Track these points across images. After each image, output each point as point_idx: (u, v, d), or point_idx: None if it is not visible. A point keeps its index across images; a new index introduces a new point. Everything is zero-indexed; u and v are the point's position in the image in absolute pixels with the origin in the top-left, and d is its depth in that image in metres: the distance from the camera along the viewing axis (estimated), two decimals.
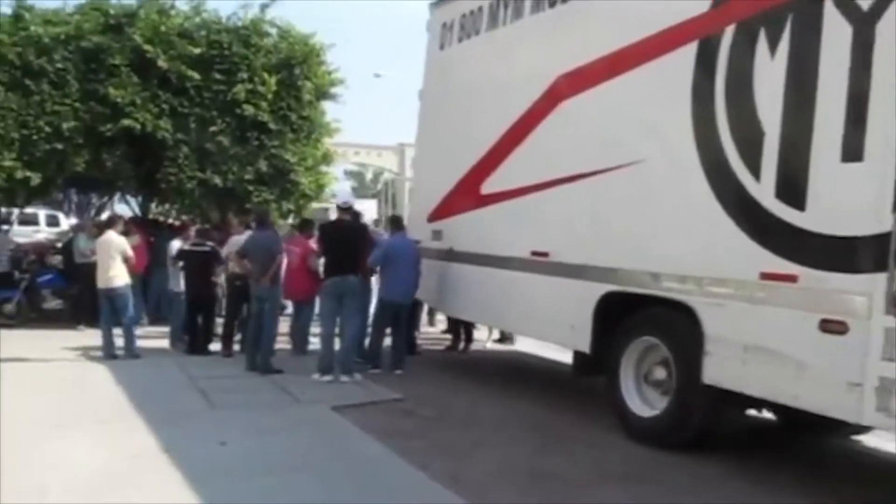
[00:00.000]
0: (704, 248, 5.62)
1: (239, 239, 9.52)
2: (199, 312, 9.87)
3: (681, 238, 5.83)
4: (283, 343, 9.44)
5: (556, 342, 7.76)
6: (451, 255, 8.81)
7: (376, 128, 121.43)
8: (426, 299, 9.44)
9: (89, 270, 11.79)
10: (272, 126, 12.59)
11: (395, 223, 9.37)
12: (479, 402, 7.32)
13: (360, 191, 53.95)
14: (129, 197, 17.74)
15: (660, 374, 6.19)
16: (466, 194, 8.61)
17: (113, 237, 9.32)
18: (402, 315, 8.88)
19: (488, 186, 8.19)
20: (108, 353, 9.18)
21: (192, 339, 9.76)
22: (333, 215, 8.74)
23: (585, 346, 6.67)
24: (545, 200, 7.27)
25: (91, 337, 10.85)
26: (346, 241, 8.04)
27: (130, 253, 9.32)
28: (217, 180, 12.29)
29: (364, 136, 61.64)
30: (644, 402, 6.30)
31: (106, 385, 7.56)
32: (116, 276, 9.17)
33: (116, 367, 8.43)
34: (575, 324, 6.76)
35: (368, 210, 29.62)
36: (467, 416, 6.84)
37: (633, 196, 6.28)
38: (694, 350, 5.57)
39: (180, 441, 5.64)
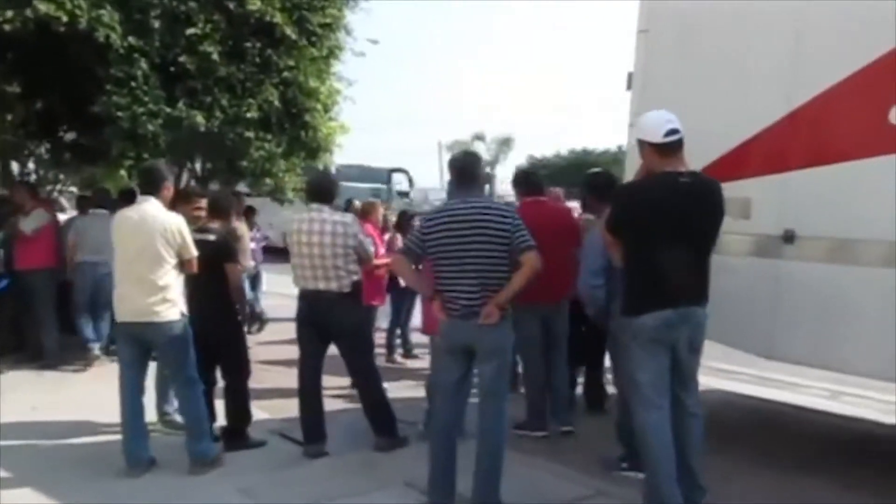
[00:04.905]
0: None
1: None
2: (217, 362, 5.05)
3: None
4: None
5: None
6: (790, 248, 4.59)
7: None
8: (728, 339, 4.95)
9: None
10: (288, 33, 7.67)
11: (603, 187, 4.89)
12: None
13: None
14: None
15: None
16: (837, 127, 4.41)
17: (160, 216, 4.42)
18: None
19: None
20: (133, 454, 4.43)
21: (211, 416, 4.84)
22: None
23: None
24: None
25: None
26: (688, 222, 3.57)
27: (191, 251, 4.50)
28: (199, 119, 7.25)
29: None
30: None
31: None
32: (164, 299, 4.36)
33: None
34: None
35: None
36: None
37: None
38: None
39: None
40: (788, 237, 4.59)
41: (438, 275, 3.81)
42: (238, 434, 4.95)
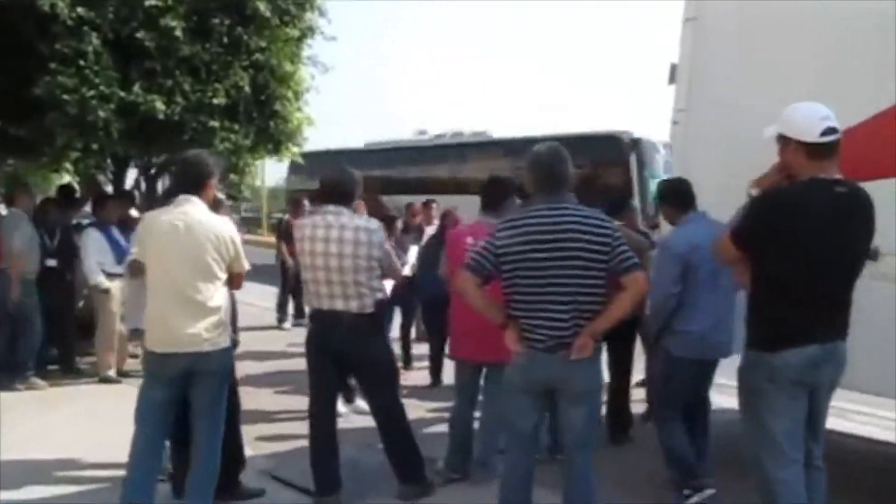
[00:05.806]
0: None
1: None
2: None
3: None
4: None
5: None
6: (872, 266, 4.08)
7: None
8: None
9: None
10: (262, 10, 6.79)
11: (682, 196, 4.16)
12: None
13: None
14: None
15: None
16: None
17: (209, 222, 3.49)
18: (706, 387, 4.20)
19: None
20: None
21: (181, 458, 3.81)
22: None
23: None
24: None
25: None
26: (842, 240, 2.91)
27: (243, 263, 3.65)
28: (158, 105, 6.30)
29: None
30: None
31: None
32: (217, 323, 3.49)
33: None
34: None
35: None
36: None
37: None
38: None
39: None
40: (872, 254, 4.08)
41: (514, 296, 3.09)
42: (231, 482, 4.10)
